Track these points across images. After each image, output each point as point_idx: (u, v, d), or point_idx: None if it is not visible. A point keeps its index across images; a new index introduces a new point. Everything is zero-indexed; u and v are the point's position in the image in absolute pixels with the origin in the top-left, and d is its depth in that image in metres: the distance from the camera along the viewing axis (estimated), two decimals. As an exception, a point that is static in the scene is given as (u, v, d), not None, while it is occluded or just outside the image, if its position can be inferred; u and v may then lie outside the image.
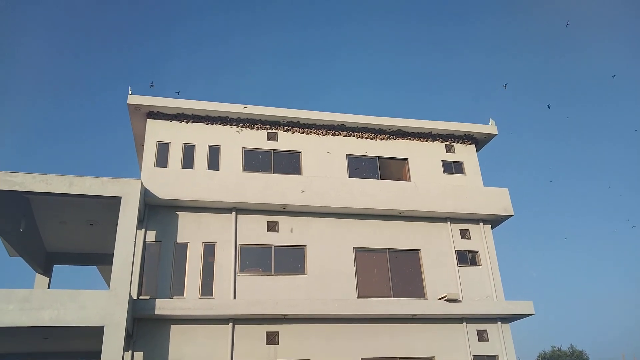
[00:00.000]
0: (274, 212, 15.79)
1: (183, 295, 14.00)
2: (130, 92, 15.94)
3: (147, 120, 16.26)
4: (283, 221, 15.79)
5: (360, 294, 15.36)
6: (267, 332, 14.04)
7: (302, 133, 17.46)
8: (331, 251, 15.75)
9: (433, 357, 15.00)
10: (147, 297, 13.61)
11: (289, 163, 16.95)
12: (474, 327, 15.64)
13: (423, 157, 18.18)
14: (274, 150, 16.99)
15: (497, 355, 15.48)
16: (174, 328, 13.46)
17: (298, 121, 17.34)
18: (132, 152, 18.67)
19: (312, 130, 17.54)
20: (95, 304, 11.80)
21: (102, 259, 18.28)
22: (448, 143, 18.69)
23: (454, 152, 18.60)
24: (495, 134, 18.88)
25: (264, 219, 15.65)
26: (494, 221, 17.53)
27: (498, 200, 17.36)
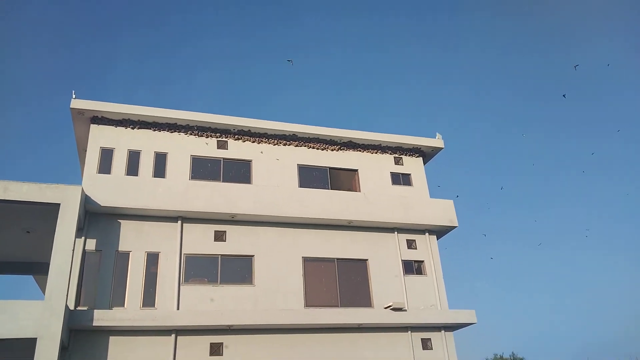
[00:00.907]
0: (222, 221, 15.60)
1: (124, 305, 13.55)
2: (74, 96, 15.42)
3: (91, 125, 15.77)
4: (231, 230, 15.61)
5: (307, 304, 15.33)
6: (210, 342, 13.76)
7: (253, 142, 17.39)
8: (280, 261, 15.68)
9: (379, 366, 15.11)
10: (85, 308, 13.10)
11: (239, 172, 16.82)
12: (418, 335, 15.89)
13: (372, 169, 18.45)
14: (223, 158, 16.81)
15: (440, 364, 15.77)
16: (113, 339, 12.99)
17: (249, 130, 17.27)
18: (75, 159, 18.05)
19: (264, 140, 17.50)
20: (29, 315, 11.24)
21: (39, 268, 17.46)
22: (397, 155, 19.07)
23: (402, 164, 18.99)
24: (442, 148, 19.41)
25: (212, 228, 15.42)
26: (439, 232, 17.96)
27: (443, 212, 17.81)
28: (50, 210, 12.92)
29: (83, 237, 13.89)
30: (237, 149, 17.07)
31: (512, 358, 49.94)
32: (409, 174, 18.84)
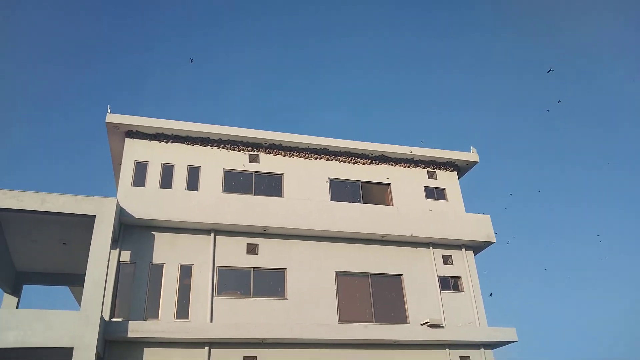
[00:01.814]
0: (254, 234, 15.48)
1: (157, 317, 13.45)
2: (109, 111, 15.69)
3: (126, 139, 15.97)
4: (263, 243, 15.46)
5: (341, 319, 14.97)
6: (244, 356, 13.50)
7: (285, 156, 17.34)
8: (312, 275, 15.42)
9: (416, 385, 14.57)
10: (120, 319, 13.04)
11: (271, 185, 16.75)
12: (456, 353, 15.30)
13: (405, 183, 18.15)
14: (255, 172, 16.78)
15: (480, 384, 15.13)
16: (147, 351, 12.86)
17: (280, 144, 17.24)
18: (109, 173, 18.28)
19: (295, 153, 17.44)
20: (64, 325, 11.22)
21: (75, 280, 17.58)
22: (430, 169, 18.74)
23: (436, 179, 18.64)
24: (477, 162, 19.03)
25: (244, 241, 15.31)
26: (476, 247, 17.45)
27: (480, 227, 17.33)
28: (86, 222, 13.01)
29: (118, 249, 13.93)
30: (268, 163, 17.03)
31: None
32: (443, 188, 18.46)
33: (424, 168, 18.71)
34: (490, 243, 17.29)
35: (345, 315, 15.08)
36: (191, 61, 16.39)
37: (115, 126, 15.76)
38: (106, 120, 15.58)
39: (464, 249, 17.24)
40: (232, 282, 14.61)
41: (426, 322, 15.10)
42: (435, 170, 18.78)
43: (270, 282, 14.96)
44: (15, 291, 17.59)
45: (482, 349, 15.59)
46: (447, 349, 15.24)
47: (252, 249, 15.26)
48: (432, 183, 18.51)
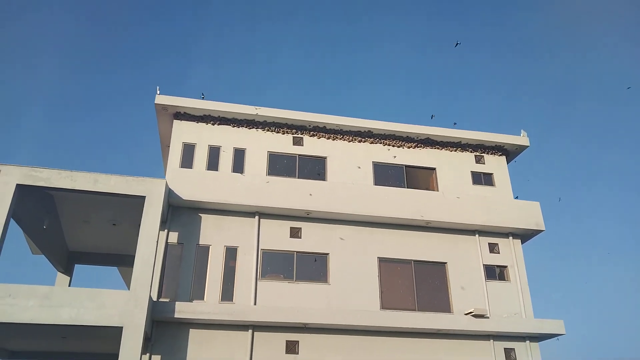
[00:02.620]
0: (297, 217, 15.48)
1: (203, 299, 13.73)
2: (158, 92, 15.86)
3: (174, 121, 16.15)
4: (306, 227, 15.46)
5: (383, 306, 14.89)
6: (287, 340, 13.67)
7: (328, 139, 17.15)
8: (355, 260, 15.34)
9: (458, 374, 14.42)
10: (167, 300, 13.39)
11: (314, 168, 16.65)
12: (501, 345, 15.01)
13: (451, 167, 17.68)
14: (299, 155, 16.70)
15: (524, 376, 14.83)
16: (192, 332, 13.19)
17: (324, 126, 17.05)
18: (157, 155, 18.61)
19: (338, 136, 17.22)
20: (115, 304, 11.60)
21: (123, 261, 18.17)
22: (478, 153, 18.17)
23: (484, 163, 18.06)
24: (527, 146, 18.30)
25: (287, 225, 15.34)
26: (524, 235, 16.91)
27: (529, 214, 16.75)
28: (136, 203, 13.30)
29: (166, 230, 14.22)
30: (312, 146, 16.90)
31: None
32: (491, 174, 17.88)
33: (471, 152, 18.15)
34: (540, 231, 16.70)
35: (387, 302, 14.99)
36: (202, 97, 16.32)
37: (164, 107, 15.93)
38: (155, 102, 15.77)
39: (511, 237, 16.74)
40: (275, 265, 14.72)
41: (470, 312, 14.84)
42: (483, 154, 18.19)
43: (312, 267, 14.99)
44: (68, 270, 18.32)
45: (527, 341, 15.22)
46: (492, 340, 14.97)
47: (295, 233, 15.29)
48: (480, 168, 17.95)
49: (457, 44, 28.37)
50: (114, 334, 11.58)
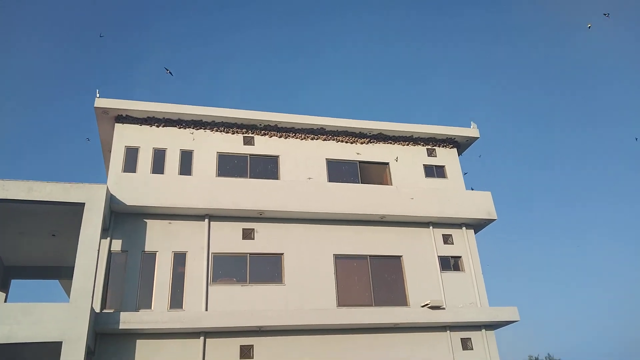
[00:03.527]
0: (250, 218, 15.10)
1: (150, 307, 13.17)
2: (97, 95, 15.19)
3: (116, 124, 15.50)
4: (259, 228, 15.10)
5: (340, 303, 14.68)
6: (241, 345, 13.26)
7: (280, 137, 16.84)
8: (310, 259, 15.08)
9: (417, 368, 14.34)
10: (111, 311, 12.77)
11: (267, 168, 16.31)
12: (458, 335, 15.04)
13: (404, 161, 17.66)
14: (250, 154, 16.32)
15: (482, 365, 14.88)
16: (140, 343, 12.61)
17: (275, 125, 16.73)
18: (100, 160, 17.86)
19: (291, 134, 16.94)
20: (53, 318, 10.94)
21: (66, 273, 17.18)
22: (429, 147, 18.22)
23: (436, 156, 18.13)
24: (477, 137, 18.48)
25: (239, 226, 14.94)
26: (477, 225, 17.05)
27: (481, 204, 16.89)
28: (75, 212, 12.65)
29: (108, 238, 13.60)
30: (263, 145, 16.55)
31: (548, 360, 48.00)
32: (443, 166, 17.96)
33: (423, 146, 18.19)
34: (492, 220, 16.87)
35: (344, 299, 14.79)
36: (168, 72, 15.66)
37: (105, 111, 15.28)
38: (95, 105, 15.10)
39: (464, 228, 16.85)
40: (227, 268, 14.29)
41: (427, 304, 14.81)
42: (434, 147, 18.26)
43: (267, 268, 14.65)
44: (3, 286, 17.23)
45: (483, 330, 15.31)
46: (448, 331, 14.98)
47: (248, 234, 14.91)
48: (432, 161, 18.02)
49: None
50: (54, 349, 10.91)
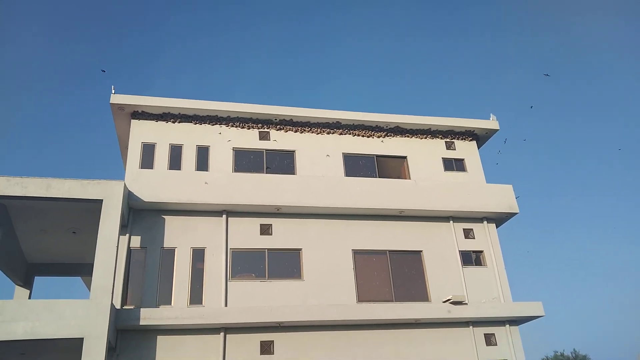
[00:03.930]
0: (267, 214, 14.96)
1: (170, 304, 13.10)
2: (113, 92, 15.15)
3: (132, 120, 15.46)
4: (277, 223, 14.95)
5: (360, 299, 14.48)
6: (261, 341, 13.12)
7: (296, 132, 16.68)
8: (329, 254, 14.90)
9: (439, 364, 14.09)
10: (132, 307, 12.71)
11: (283, 163, 16.16)
12: (481, 330, 14.76)
13: (423, 155, 17.39)
14: (266, 150, 16.18)
15: (506, 360, 14.59)
16: (160, 339, 12.54)
17: (291, 119, 16.56)
18: (117, 155, 17.85)
19: (306, 129, 16.76)
20: (74, 315, 10.90)
21: (87, 269, 17.22)
22: (448, 140, 17.93)
23: (455, 149, 17.83)
24: (497, 130, 18.13)
25: (257, 222, 14.80)
26: (498, 219, 16.72)
27: (502, 198, 16.57)
28: (94, 209, 12.61)
29: (127, 234, 13.55)
30: (280, 140, 16.40)
31: (573, 356, 47.34)
32: (462, 159, 17.65)
33: (441, 139, 17.90)
34: (514, 214, 16.53)
35: (364, 295, 14.59)
36: (103, 71, 15.49)
37: (121, 107, 15.24)
38: (110, 102, 15.06)
39: (485, 222, 16.53)
40: (246, 264, 14.17)
41: (448, 299, 14.56)
42: (453, 140, 17.96)
43: (285, 264, 14.50)
44: (27, 283, 17.38)
45: (507, 325, 15.01)
46: (471, 326, 14.70)
47: (265, 230, 14.77)
48: (451, 154, 17.72)
49: None
50: (75, 346, 10.89)
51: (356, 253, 15.19)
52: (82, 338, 10.69)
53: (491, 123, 18.05)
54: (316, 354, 13.37)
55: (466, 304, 14.69)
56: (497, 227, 16.70)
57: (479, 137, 18.24)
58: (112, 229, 12.20)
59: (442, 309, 14.37)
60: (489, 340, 14.71)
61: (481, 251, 16.07)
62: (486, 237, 16.27)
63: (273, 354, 13.08)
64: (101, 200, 12.48)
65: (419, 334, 14.33)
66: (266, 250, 14.48)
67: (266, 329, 13.25)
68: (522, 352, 14.73)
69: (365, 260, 15.23)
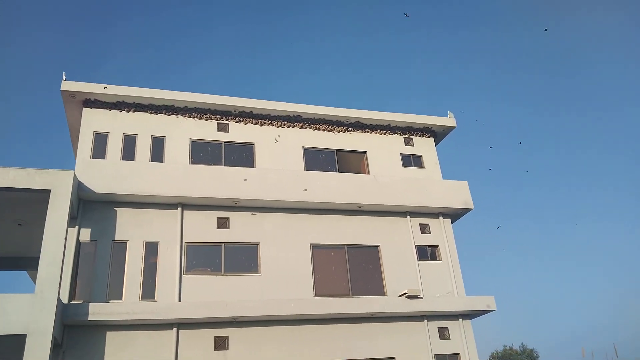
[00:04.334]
0: (224, 207, 14.70)
1: (121, 298, 12.69)
2: (64, 78, 14.50)
3: (84, 108, 14.86)
4: (234, 217, 14.72)
5: (317, 293, 14.46)
6: (215, 336, 12.91)
7: (256, 124, 16.45)
8: (287, 248, 14.80)
9: (394, 357, 14.23)
10: (80, 302, 12.25)
11: (242, 155, 15.91)
12: (435, 324, 15.01)
13: (382, 150, 17.50)
14: (224, 142, 15.89)
15: (458, 354, 14.87)
16: (110, 335, 12.13)
17: (251, 111, 16.32)
18: (68, 145, 17.14)
19: (266, 121, 16.56)
20: (17, 310, 10.38)
21: (33, 263, 16.49)
22: (407, 136, 18.10)
23: (413, 145, 18.03)
24: (454, 127, 18.44)
25: (214, 215, 14.53)
26: (453, 215, 17.02)
27: (458, 194, 16.87)
28: (42, 200, 12.03)
29: (77, 227, 13.02)
30: (239, 132, 16.14)
31: (522, 350, 49.10)
32: (420, 155, 17.88)
33: (400, 135, 18.05)
34: (468, 210, 16.87)
35: (321, 289, 14.57)
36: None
37: (72, 94, 14.61)
38: (61, 88, 14.42)
39: (441, 217, 16.80)
40: (201, 258, 13.89)
41: (404, 294, 14.73)
42: (412, 136, 18.15)
43: (242, 258, 14.30)
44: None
45: (460, 319, 15.31)
46: (426, 320, 14.92)
47: (222, 223, 14.52)
48: (409, 150, 17.91)
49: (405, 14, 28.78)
50: (19, 343, 10.37)
51: (314, 247, 15.15)
52: (25, 334, 10.19)
53: (448, 120, 18.35)
54: (271, 349, 13.27)
55: (421, 298, 14.90)
56: (452, 222, 17.01)
57: (437, 134, 18.51)
58: (60, 220, 11.68)
59: (398, 303, 14.52)
60: (443, 334, 14.97)
61: (436, 246, 16.34)
62: (441, 232, 16.55)
63: (227, 349, 12.89)
64: (49, 191, 11.91)
65: (376, 328, 14.44)
66: (223, 245, 14.24)
67: (221, 325, 13.03)
68: (474, 346, 15.07)
69: (323, 254, 15.21)
